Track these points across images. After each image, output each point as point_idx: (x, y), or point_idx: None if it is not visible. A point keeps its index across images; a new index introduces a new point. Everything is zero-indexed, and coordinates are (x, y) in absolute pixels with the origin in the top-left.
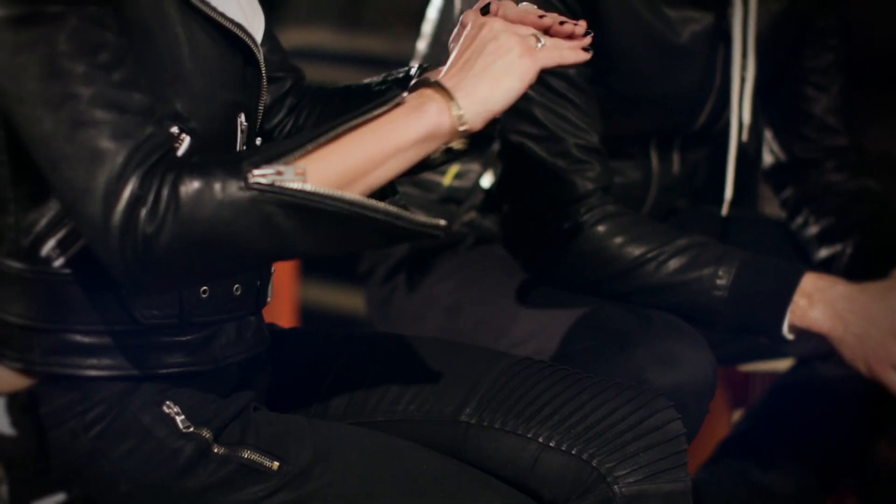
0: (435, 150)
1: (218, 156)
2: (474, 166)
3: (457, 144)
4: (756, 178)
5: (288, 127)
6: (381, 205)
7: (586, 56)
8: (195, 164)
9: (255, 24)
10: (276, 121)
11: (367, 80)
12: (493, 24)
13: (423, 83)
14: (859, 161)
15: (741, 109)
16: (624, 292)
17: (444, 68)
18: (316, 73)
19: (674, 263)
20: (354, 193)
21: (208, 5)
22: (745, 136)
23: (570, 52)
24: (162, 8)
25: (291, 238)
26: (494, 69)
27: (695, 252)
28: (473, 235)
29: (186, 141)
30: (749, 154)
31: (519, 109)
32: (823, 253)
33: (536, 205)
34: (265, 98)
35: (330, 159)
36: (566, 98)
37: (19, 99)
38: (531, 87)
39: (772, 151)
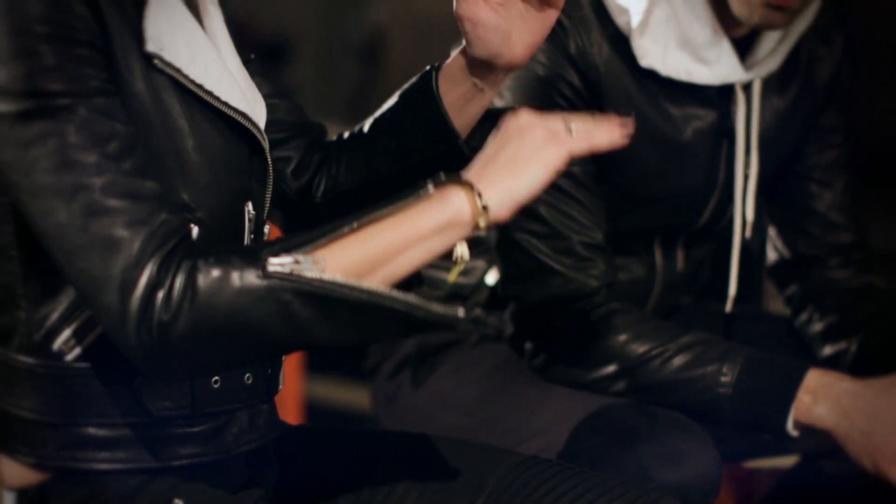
0: (458, 241)
1: (235, 245)
2: (479, 263)
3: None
4: (760, 274)
5: (322, 184)
6: (400, 295)
7: (620, 139)
8: (213, 252)
9: (257, 110)
10: (306, 178)
11: (389, 108)
12: (522, 116)
13: (447, 178)
14: (864, 257)
15: (744, 206)
16: (629, 390)
17: (474, 162)
18: None
19: (678, 361)
20: (373, 283)
21: (212, 95)
22: (748, 233)
23: (603, 134)
24: (164, 100)
25: (309, 327)
26: (519, 158)
27: (699, 349)
28: (479, 332)
29: (194, 232)
30: (753, 251)
31: (525, 208)
32: (828, 350)
33: (541, 302)
34: (272, 185)
35: (349, 249)
36: (571, 196)
37: (32, 192)
38: None
39: (776, 248)
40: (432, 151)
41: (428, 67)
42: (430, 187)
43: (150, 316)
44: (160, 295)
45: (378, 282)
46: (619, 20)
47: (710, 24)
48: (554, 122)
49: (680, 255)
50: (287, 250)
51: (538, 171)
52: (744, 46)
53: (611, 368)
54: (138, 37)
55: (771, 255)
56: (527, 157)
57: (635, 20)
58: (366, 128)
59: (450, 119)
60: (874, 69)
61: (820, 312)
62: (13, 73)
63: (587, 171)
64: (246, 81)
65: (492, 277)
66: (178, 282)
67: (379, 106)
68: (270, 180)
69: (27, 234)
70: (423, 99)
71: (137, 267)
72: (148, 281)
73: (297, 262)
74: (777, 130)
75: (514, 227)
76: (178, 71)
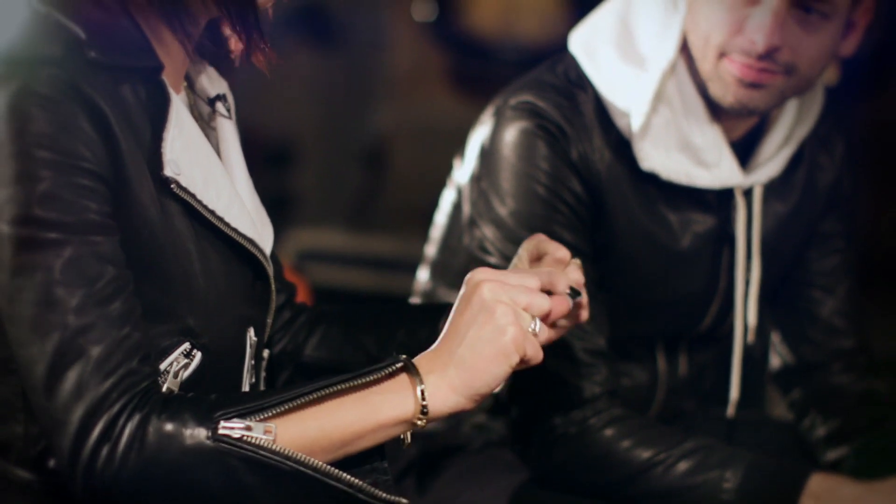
0: (404, 431)
1: (193, 400)
2: None
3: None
4: (763, 379)
5: (283, 344)
6: (344, 476)
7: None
8: (168, 406)
9: (264, 236)
10: (269, 333)
11: (384, 314)
12: (485, 288)
13: (403, 362)
14: (866, 362)
15: (746, 312)
16: (632, 496)
17: (439, 339)
18: (327, 274)
19: (681, 467)
20: (321, 459)
21: (222, 221)
22: (750, 338)
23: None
24: (175, 224)
25: (252, 493)
26: (479, 350)
27: (702, 455)
28: (482, 438)
29: (197, 357)
30: (755, 356)
31: None
32: (831, 455)
33: (544, 408)
34: (273, 311)
35: (304, 423)
36: None
37: (11, 320)
38: None
39: (778, 353)
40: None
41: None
42: (388, 369)
43: (95, 466)
44: (106, 449)
45: (326, 458)
46: (620, 123)
47: (709, 128)
48: (523, 318)
49: (682, 361)
50: (241, 414)
51: (502, 368)
52: (744, 152)
53: (614, 475)
54: (155, 160)
55: (774, 361)
56: (490, 354)
57: (636, 123)
58: (350, 314)
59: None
60: (879, 181)
61: (823, 417)
62: (11, 197)
63: (589, 278)
64: (255, 205)
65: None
66: (127, 434)
67: (382, 212)
68: (273, 306)
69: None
70: (426, 320)
71: (95, 416)
72: (99, 432)
73: (248, 427)
74: (778, 236)
75: None
76: (193, 196)
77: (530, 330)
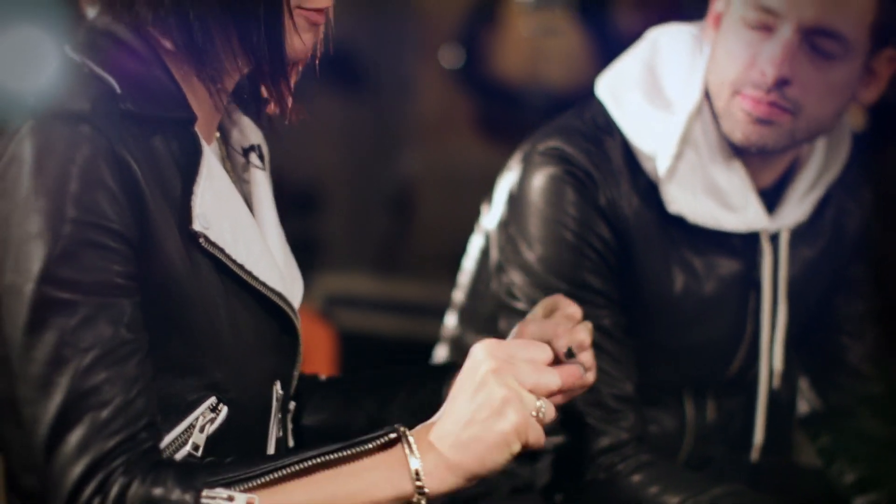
0: None
1: (180, 466)
2: None
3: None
4: (790, 425)
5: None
6: None
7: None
8: (156, 470)
9: (294, 289)
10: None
11: (386, 380)
12: (491, 361)
13: (398, 433)
14: (895, 408)
15: (772, 357)
16: None
17: (439, 414)
18: (354, 320)
19: None
20: None
21: (251, 275)
22: (776, 384)
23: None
24: (204, 278)
25: None
26: (482, 444)
27: (729, 501)
28: (509, 484)
29: (224, 412)
30: (782, 401)
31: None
32: (860, 502)
33: (571, 454)
34: (299, 363)
35: (286, 495)
36: (601, 348)
37: (21, 375)
38: None
39: (806, 399)
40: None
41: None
42: (382, 440)
43: None
44: None
45: None
46: (647, 167)
47: (735, 171)
48: (527, 400)
49: (710, 406)
50: (225, 484)
51: (500, 458)
52: (771, 198)
53: None
54: (184, 214)
55: (802, 406)
56: (487, 437)
57: (662, 167)
58: (352, 382)
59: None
60: None
61: (851, 463)
62: (32, 251)
63: (616, 324)
64: (285, 257)
65: None
66: (113, 497)
67: (409, 257)
68: (300, 360)
69: None
70: (437, 380)
71: (90, 476)
72: (91, 492)
73: (230, 498)
74: (805, 281)
75: None
76: (222, 251)
77: (534, 415)
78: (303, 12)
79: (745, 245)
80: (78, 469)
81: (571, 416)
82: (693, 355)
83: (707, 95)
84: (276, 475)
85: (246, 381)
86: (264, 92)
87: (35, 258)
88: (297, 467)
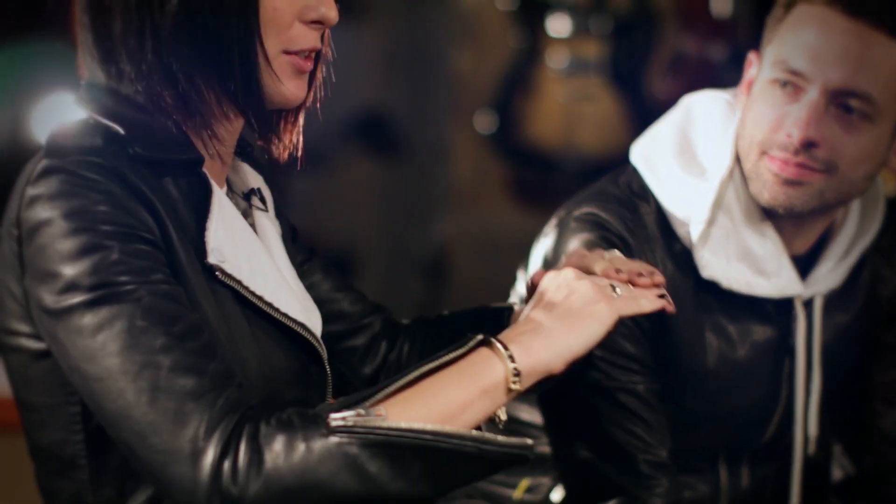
0: (504, 398)
1: (295, 410)
2: (545, 480)
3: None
4: (825, 491)
5: (391, 371)
6: (464, 431)
7: (665, 305)
8: (275, 417)
9: (313, 320)
10: (373, 367)
11: (459, 311)
12: (567, 272)
13: (483, 336)
14: None
15: (807, 423)
16: None
17: (521, 317)
18: None
19: None
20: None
21: (271, 306)
22: (811, 450)
23: (647, 301)
24: (226, 311)
25: (380, 480)
26: (573, 313)
27: None
28: None
29: None
30: (817, 467)
31: (589, 426)
32: None
33: None
34: (330, 394)
35: (405, 403)
36: (635, 414)
37: (100, 378)
38: (600, 402)
39: (841, 465)
40: None
41: (503, 304)
42: (468, 346)
43: (220, 485)
44: (227, 465)
45: None
46: (681, 232)
47: (769, 237)
48: (601, 282)
49: (745, 473)
50: (347, 406)
51: (593, 327)
52: (805, 264)
53: None
54: (200, 249)
55: (836, 472)
56: (580, 311)
57: (696, 232)
58: (435, 323)
59: None
60: None
61: None
62: (82, 268)
63: (651, 390)
64: (301, 292)
65: (557, 495)
66: (244, 450)
67: None
68: (330, 389)
69: (98, 441)
70: (494, 326)
71: (205, 439)
72: (216, 452)
73: (358, 414)
74: (839, 347)
75: (577, 444)
76: (239, 283)
77: (614, 295)
78: (288, 58)
79: (780, 311)
80: (188, 437)
81: (606, 482)
82: (727, 421)
83: (738, 159)
84: (388, 390)
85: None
86: (259, 141)
87: (87, 273)
88: (404, 380)
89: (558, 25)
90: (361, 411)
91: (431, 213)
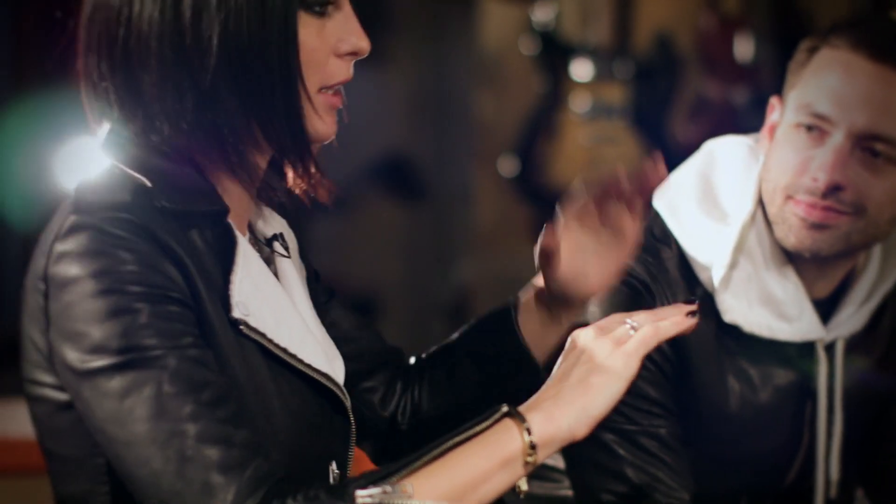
0: (523, 471)
1: (320, 485)
2: None
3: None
4: None
5: (407, 411)
6: None
7: (690, 323)
8: (302, 495)
9: (336, 369)
10: (392, 407)
11: (463, 331)
12: (582, 335)
13: (507, 408)
14: None
15: (828, 467)
16: None
17: (544, 387)
18: None
19: None
20: None
21: (295, 358)
22: (833, 494)
23: (668, 324)
24: (252, 363)
25: None
26: (590, 376)
27: None
28: None
29: None
30: None
31: (609, 469)
32: None
33: None
34: (353, 442)
35: (431, 477)
36: (657, 458)
37: (128, 443)
38: (621, 446)
39: None
40: (514, 381)
41: (505, 304)
42: (492, 419)
43: None
44: None
45: None
46: (703, 277)
47: (791, 281)
48: (616, 329)
49: None
50: (374, 482)
51: (611, 386)
52: (827, 308)
53: None
54: (225, 302)
55: None
56: (597, 373)
57: (717, 276)
58: (444, 354)
59: (531, 352)
60: None
61: None
62: (110, 331)
63: (673, 433)
64: (324, 339)
65: None
66: None
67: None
68: (353, 438)
69: (123, 493)
70: (504, 332)
71: None
72: None
73: (384, 492)
74: (861, 391)
75: (598, 487)
76: (264, 336)
77: (630, 333)
78: (323, 96)
79: (801, 355)
80: None
81: None
82: (749, 465)
83: (761, 204)
84: (413, 466)
85: (302, 463)
86: (291, 178)
87: (116, 335)
88: (429, 456)
89: (581, 70)
90: (388, 488)
91: (454, 256)
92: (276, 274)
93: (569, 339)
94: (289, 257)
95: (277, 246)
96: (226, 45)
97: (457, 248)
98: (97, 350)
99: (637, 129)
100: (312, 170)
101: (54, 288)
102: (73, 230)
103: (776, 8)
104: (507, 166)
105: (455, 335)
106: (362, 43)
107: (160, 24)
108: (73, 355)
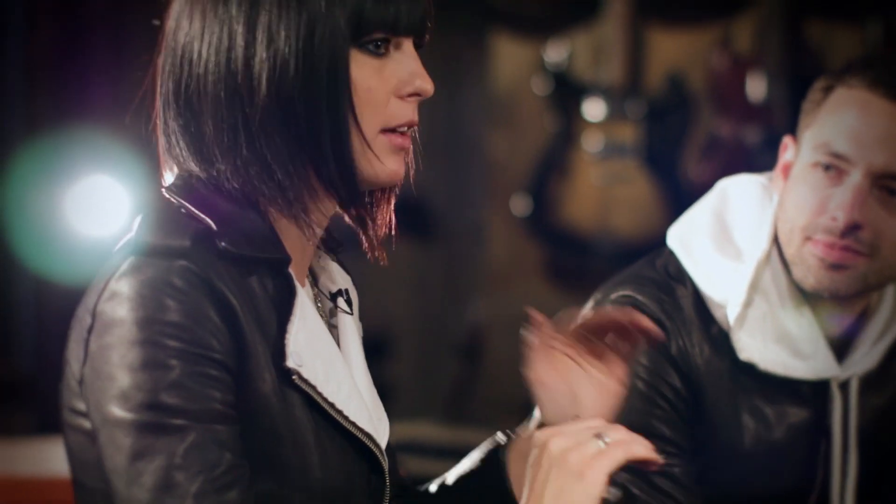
0: None
1: None
2: None
3: None
4: None
5: None
6: None
7: (656, 457)
8: None
9: (380, 430)
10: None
11: (462, 473)
12: (551, 445)
13: None
14: None
15: None
16: None
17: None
18: (423, 467)
19: None
20: None
21: (341, 414)
22: None
23: (640, 446)
24: (295, 415)
25: None
26: (562, 495)
27: None
28: None
29: None
30: None
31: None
32: None
33: None
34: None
35: None
36: (672, 497)
37: (128, 500)
38: (635, 485)
39: None
40: None
41: (499, 439)
42: None
43: None
44: None
45: None
46: (718, 315)
47: (806, 320)
48: (586, 442)
49: None
50: None
51: (572, 485)
52: (841, 346)
53: None
54: (278, 351)
55: None
56: (569, 491)
57: (733, 314)
58: (437, 487)
59: (516, 497)
60: None
61: None
62: (139, 382)
63: (686, 472)
64: (372, 399)
65: None
66: None
67: (478, 404)
68: (387, 500)
69: None
70: (493, 472)
71: None
72: None
73: None
74: (877, 429)
75: None
76: (314, 388)
77: (600, 445)
78: (386, 137)
79: (816, 392)
80: None
81: None
82: (763, 503)
83: (776, 243)
84: None
85: None
86: (351, 222)
87: (143, 389)
88: None
89: (593, 109)
90: None
91: (467, 295)
92: (336, 328)
93: (535, 440)
94: (351, 314)
95: (341, 301)
96: (273, 83)
97: (469, 286)
98: (121, 398)
99: (649, 169)
100: (367, 218)
101: (99, 325)
102: (130, 272)
103: (788, 47)
104: (520, 205)
105: (452, 472)
106: (426, 84)
107: (216, 65)
108: (98, 396)
